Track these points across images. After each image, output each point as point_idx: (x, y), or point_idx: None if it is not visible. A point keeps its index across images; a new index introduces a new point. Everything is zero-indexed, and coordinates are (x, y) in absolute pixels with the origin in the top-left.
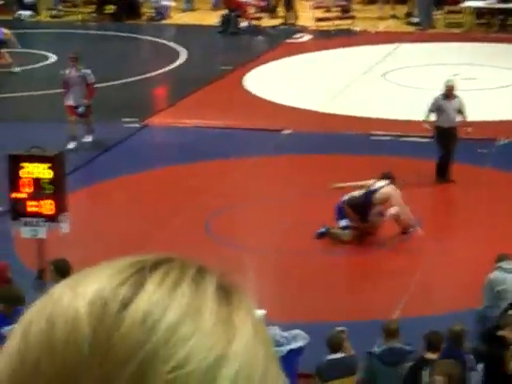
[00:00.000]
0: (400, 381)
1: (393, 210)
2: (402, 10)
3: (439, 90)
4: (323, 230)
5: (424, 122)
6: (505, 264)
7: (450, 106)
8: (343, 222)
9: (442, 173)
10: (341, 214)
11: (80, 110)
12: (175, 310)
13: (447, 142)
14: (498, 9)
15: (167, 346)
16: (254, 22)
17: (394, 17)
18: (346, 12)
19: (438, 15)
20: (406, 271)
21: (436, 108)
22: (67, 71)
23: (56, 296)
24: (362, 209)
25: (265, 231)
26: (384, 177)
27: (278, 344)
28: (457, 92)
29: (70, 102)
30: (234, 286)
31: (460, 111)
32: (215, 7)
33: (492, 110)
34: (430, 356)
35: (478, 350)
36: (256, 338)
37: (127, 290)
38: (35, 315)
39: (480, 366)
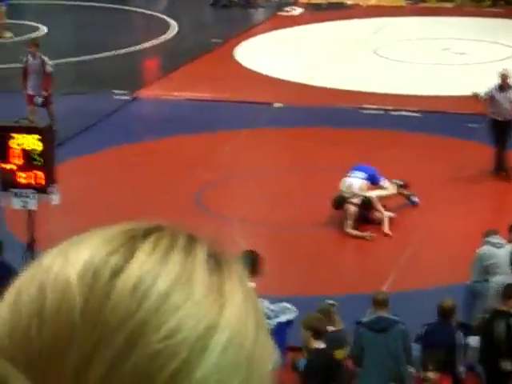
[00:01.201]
0: (387, 348)
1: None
2: None
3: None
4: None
5: (474, 94)
6: (493, 239)
7: (504, 97)
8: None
9: (498, 165)
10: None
11: (38, 100)
12: (166, 279)
13: (501, 135)
14: None
15: (158, 314)
16: None
17: None
18: None
19: None
20: (396, 246)
21: (490, 99)
22: (25, 58)
23: (46, 264)
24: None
25: (254, 204)
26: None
27: (267, 317)
28: None
29: (28, 90)
30: (224, 255)
31: None
32: None
33: (483, 85)
34: (503, 307)
35: (467, 324)
36: (247, 307)
37: (118, 259)
38: (26, 283)
39: (473, 339)
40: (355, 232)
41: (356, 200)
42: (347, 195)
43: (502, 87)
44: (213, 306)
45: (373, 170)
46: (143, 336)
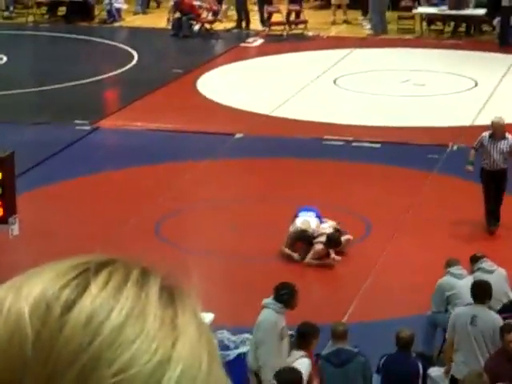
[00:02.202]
0: (347, 381)
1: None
2: (354, 15)
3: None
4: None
5: (467, 165)
6: (454, 269)
7: (495, 147)
8: (325, 226)
9: (490, 218)
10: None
11: None
12: (119, 313)
13: (492, 186)
14: (450, 15)
15: (111, 348)
16: (207, 26)
17: (346, 22)
18: (298, 17)
19: (391, 21)
20: (357, 276)
21: (480, 147)
22: None
23: (0, 297)
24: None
25: (215, 235)
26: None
27: (227, 348)
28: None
29: None
30: (178, 288)
31: (508, 153)
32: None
33: (443, 116)
34: None
35: (427, 355)
36: (200, 340)
37: (70, 293)
38: None
39: (433, 370)
40: (316, 262)
41: (322, 238)
42: (310, 233)
43: (494, 135)
44: (166, 340)
45: (317, 210)
46: (96, 371)
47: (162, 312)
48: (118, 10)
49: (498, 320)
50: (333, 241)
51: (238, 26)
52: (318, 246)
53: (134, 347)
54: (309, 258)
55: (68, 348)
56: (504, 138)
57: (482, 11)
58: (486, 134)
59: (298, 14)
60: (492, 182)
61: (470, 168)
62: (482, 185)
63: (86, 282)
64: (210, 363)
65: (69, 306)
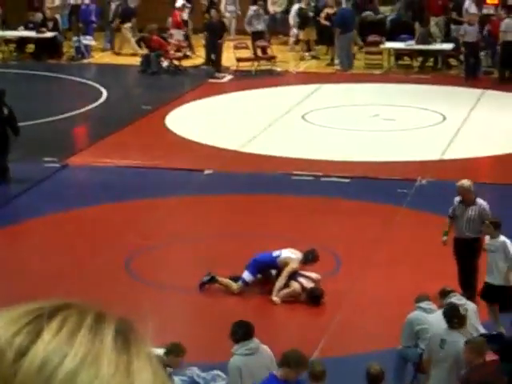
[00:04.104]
0: None
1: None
2: (322, 50)
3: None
4: (207, 278)
5: (442, 236)
6: (424, 304)
7: (463, 213)
8: (246, 275)
9: (465, 290)
10: (252, 267)
11: None
12: (73, 359)
13: (461, 256)
14: (418, 50)
15: None
16: (175, 62)
17: (314, 58)
18: (266, 53)
19: (358, 56)
20: (327, 311)
21: (453, 214)
22: None
23: None
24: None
25: (184, 271)
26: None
27: None
28: (477, 197)
29: None
30: (133, 332)
31: (479, 220)
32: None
33: (412, 150)
34: None
35: None
36: None
37: (23, 339)
38: None
39: None
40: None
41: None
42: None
43: (463, 201)
44: None
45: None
46: None
47: (116, 357)
48: (87, 47)
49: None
50: (315, 297)
51: (207, 62)
52: (296, 287)
53: None
54: (281, 294)
55: None
56: (473, 203)
57: (449, 46)
58: (457, 198)
59: (265, 50)
60: (462, 252)
61: (444, 238)
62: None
63: (39, 328)
64: None
65: (22, 353)
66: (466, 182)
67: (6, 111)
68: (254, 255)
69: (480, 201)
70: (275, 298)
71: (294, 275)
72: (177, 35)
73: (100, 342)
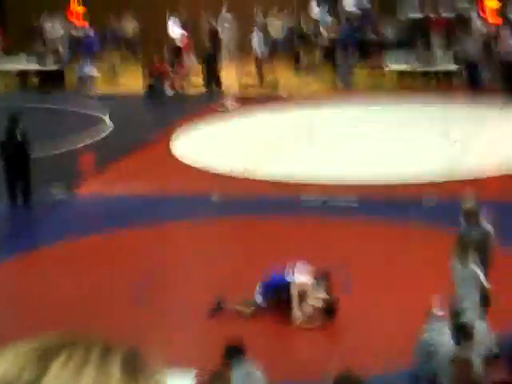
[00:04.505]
0: None
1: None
2: (326, 74)
3: None
4: (217, 305)
5: None
6: (435, 325)
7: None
8: (259, 299)
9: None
10: (265, 291)
11: None
12: None
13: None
14: (420, 71)
15: None
16: (179, 90)
17: (318, 81)
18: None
19: (360, 76)
20: (340, 331)
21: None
22: None
23: None
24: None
25: (195, 297)
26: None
27: None
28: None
29: None
30: (140, 361)
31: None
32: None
33: (421, 169)
34: None
35: None
36: None
37: (30, 374)
38: None
39: None
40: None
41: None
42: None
43: (468, 222)
44: None
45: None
46: None
47: None
48: (90, 78)
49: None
50: (329, 310)
51: (209, 88)
52: (309, 310)
53: None
54: (303, 321)
55: None
56: (477, 224)
57: (452, 67)
58: (462, 219)
59: (263, 75)
60: None
61: None
62: None
63: (46, 363)
64: None
65: None
66: (470, 201)
67: (19, 137)
68: (265, 278)
69: (487, 224)
70: (297, 321)
71: (303, 297)
72: (187, 61)
73: (107, 376)
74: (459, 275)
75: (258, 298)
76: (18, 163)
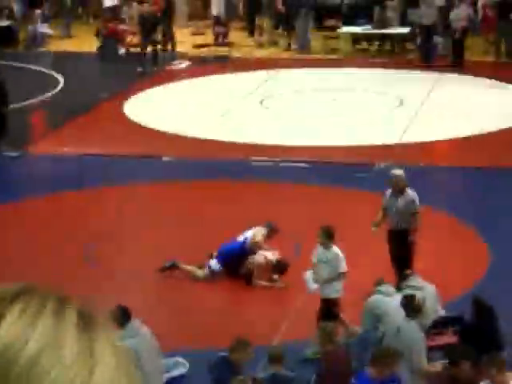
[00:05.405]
0: None
1: (260, 259)
2: (280, 36)
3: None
4: (169, 263)
5: (372, 226)
6: (383, 288)
7: (393, 204)
8: (214, 263)
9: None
10: (221, 257)
11: None
12: (35, 342)
13: (395, 248)
14: (375, 34)
15: (28, 378)
16: (132, 49)
17: (272, 43)
18: (224, 38)
19: (316, 40)
20: (286, 295)
21: (384, 206)
22: None
23: None
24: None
25: (145, 259)
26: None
27: None
28: (407, 187)
29: None
30: (96, 317)
31: (410, 210)
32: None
33: (370, 134)
34: None
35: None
36: (118, 369)
37: None
38: None
39: None
40: (265, 283)
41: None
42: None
43: (394, 191)
44: (83, 369)
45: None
46: None
47: (79, 341)
48: (43, 35)
49: (419, 336)
50: (282, 267)
51: (164, 48)
52: (259, 259)
53: (51, 377)
54: (257, 280)
55: None
56: (402, 193)
57: (405, 30)
58: (389, 189)
59: (223, 36)
60: (393, 243)
61: (373, 229)
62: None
63: (2, 311)
64: None
65: None
66: (396, 171)
67: None
68: (220, 246)
69: (410, 191)
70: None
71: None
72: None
73: (63, 326)
74: None
75: (213, 263)
76: None
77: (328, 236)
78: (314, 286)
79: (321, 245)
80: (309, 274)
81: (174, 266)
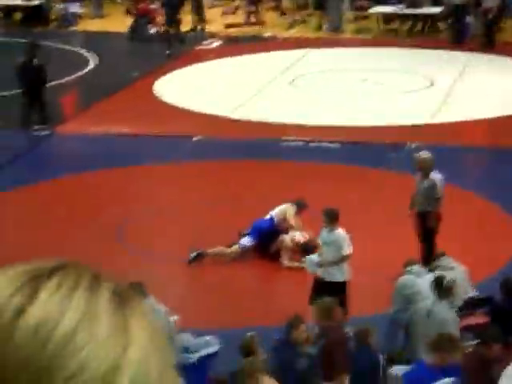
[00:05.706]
0: None
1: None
2: (312, 16)
3: None
4: (195, 254)
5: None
6: (414, 268)
7: (420, 186)
8: (246, 240)
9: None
10: (253, 233)
11: None
12: (69, 319)
13: (419, 230)
14: (406, 14)
15: (61, 355)
16: (163, 29)
17: (303, 23)
18: (255, 18)
19: (347, 21)
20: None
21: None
22: None
23: None
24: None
25: (176, 238)
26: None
27: (190, 350)
28: (433, 172)
29: None
30: (129, 294)
31: (430, 194)
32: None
33: (401, 115)
34: None
35: (390, 355)
36: (151, 345)
37: (20, 299)
38: None
39: (397, 369)
40: (295, 265)
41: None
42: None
43: (421, 175)
44: (116, 347)
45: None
46: (47, 377)
47: (113, 317)
48: (74, 15)
49: (450, 316)
50: (310, 248)
51: (194, 28)
52: (285, 239)
53: (84, 354)
54: (285, 261)
55: (18, 354)
56: (427, 176)
57: (437, 9)
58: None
59: (255, 15)
60: (418, 225)
61: (409, 212)
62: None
63: (36, 288)
64: (161, 368)
65: (19, 312)
66: (422, 153)
67: (35, 62)
68: (253, 223)
69: (435, 175)
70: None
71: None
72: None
73: (97, 303)
74: None
75: (246, 240)
76: (35, 87)
77: (331, 218)
78: (312, 268)
79: (325, 227)
80: (312, 257)
81: (200, 256)
